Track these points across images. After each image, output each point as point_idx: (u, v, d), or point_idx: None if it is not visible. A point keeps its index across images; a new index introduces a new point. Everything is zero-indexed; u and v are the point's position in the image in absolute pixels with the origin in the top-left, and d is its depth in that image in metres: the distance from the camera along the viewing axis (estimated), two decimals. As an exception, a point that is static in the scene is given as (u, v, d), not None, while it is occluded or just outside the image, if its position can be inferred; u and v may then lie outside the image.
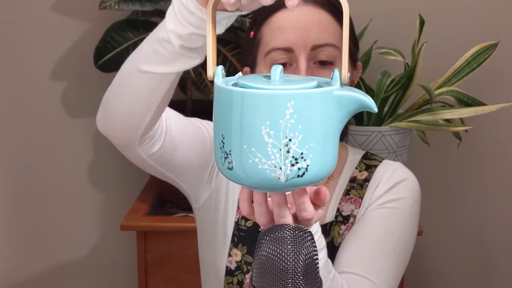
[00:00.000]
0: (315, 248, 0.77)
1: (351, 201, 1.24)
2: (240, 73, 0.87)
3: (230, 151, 0.77)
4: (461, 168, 2.17)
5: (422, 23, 1.85)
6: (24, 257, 2.31)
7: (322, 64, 1.12)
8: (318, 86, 0.79)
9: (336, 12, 1.14)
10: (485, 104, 1.83)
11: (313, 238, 0.78)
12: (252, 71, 1.20)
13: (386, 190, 1.23)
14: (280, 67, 0.80)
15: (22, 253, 2.30)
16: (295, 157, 0.76)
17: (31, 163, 2.23)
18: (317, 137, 0.76)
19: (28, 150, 2.22)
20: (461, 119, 1.88)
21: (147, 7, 1.84)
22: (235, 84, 0.80)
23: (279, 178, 0.76)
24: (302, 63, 1.09)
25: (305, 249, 0.76)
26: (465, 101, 1.85)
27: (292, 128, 0.75)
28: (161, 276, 1.87)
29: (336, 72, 0.79)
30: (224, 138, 0.78)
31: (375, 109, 0.78)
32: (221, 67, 0.82)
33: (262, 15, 1.15)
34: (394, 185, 1.23)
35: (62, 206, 2.26)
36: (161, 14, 1.96)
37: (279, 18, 1.12)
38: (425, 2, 2.02)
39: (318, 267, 0.78)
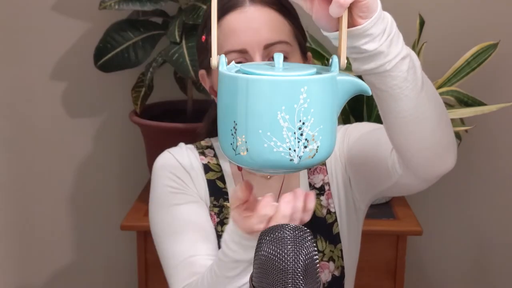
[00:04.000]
0: (315, 248, 0.77)
1: (317, 171, 1.26)
2: (233, 62, 0.89)
3: (244, 136, 0.80)
4: (461, 168, 2.17)
5: (422, 23, 1.85)
6: (23, 257, 2.31)
7: None
8: (317, 72, 0.83)
9: (283, 10, 1.17)
10: (485, 104, 1.83)
11: (313, 238, 0.78)
12: (208, 73, 1.21)
13: (341, 136, 1.25)
14: (281, 55, 0.84)
15: (22, 253, 2.30)
16: (308, 139, 0.80)
17: (31, 162, 2.23)
18: (326, 119, 0.81)
19: (28, 150, 2.22)
20: (461, 119, 1.88)
21: (147, 7, 1.84)
22: (238, 72, 0.83)
23: (293, 160, 0.80)
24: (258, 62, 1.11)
25: (305, 249, 0.76)
26: (465, 101, 1.85)
27: (306, 112, 0.79)
28: (161, 276, 1.86)
29: (335, 59, 0.84)
30: (236, 124, 0.81)
31: (370, 92, 0.85)
32: (223, 55, 0.85)
33: (211, 19, 1.15)
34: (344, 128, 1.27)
35: (61, 206, 2.26)
36: (161, 14, 1.96)
37: (229, 20, 1.14)
38: (425, 2, 2.02)
39: (318, 267, 0.78)
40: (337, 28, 0.86)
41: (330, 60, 0.85)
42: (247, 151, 0.81)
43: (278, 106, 0.78)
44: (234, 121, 0.81)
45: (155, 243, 1.22)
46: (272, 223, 0.91)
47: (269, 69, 0.81)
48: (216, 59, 0.85)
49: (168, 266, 1.18)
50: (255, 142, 0.80)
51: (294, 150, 0.80)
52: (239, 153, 0.81)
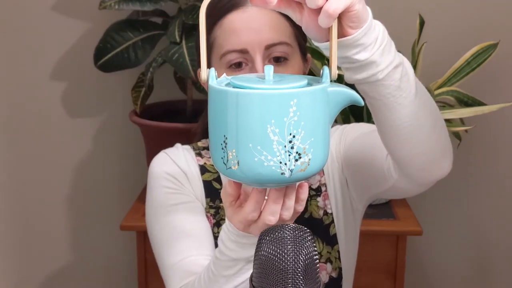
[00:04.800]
0: (315, 248, 0.77)
1: None
2: (224, 74, 0.89)
3: (234, 150, 0.80)
4: (461, 168, 2.17)
5: (422, 23, 1.85)
6: (24, 257, 2.31)
7: (276, 60, 1.13)
8: (308, 83, 0.82)
9: None
10: (485, 104, 1.83)
11: (313, 238, 0.78)
12: None
13: (338, 137, 1.25)
14: (272, 67, 0.83)
15: (22, 253, 2.31)
16: (299, 152, 0.79)
17: (31, 163, 2.23)
18: (317, 131, 0.80)
19: (28, 150, 2.22)
20: (461, 119, 1.88)
21: (147, 7, 1.84)
22: (228, 85, 0.82)
23: (284, 173, 0.79)
24: (258, 63, 1.11)
25: (305, 249, 0.76)
26: (465, 101, 1.85)
27: (296, 125, 0.78)
28: (160, 276, 1.87)
29: (326, 70, 0.83)
30: (226, 138, 0.80)
31: (362, 103, 0.83)
32: (213, 69, 0.84)
33: (213, 17, 1.15)
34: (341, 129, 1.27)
35: (61, 206, 2.26)
36: (161, 14, 1.96)
37: (230, 20, 1.13)
38: (425, 2, 2.02)
39: (318, 267, 0.78)
40: (328, 38, 0.85)
41: (321, 71, 0.84)
42: (238, 165, 0.80)
43: (267, 119, 0.77)
44: (225, 135, 0.80)
45: (152, 244, 1.22)
46: (266, 213, 0.89)
47: (259, 82, 0.80)
48: (206, 72, 0.83)
49: (164, 267, 1.18)
50: (245, 156, 0.79)
51: (285, 164, 0.79)
52: (230, 167, 0.81)
